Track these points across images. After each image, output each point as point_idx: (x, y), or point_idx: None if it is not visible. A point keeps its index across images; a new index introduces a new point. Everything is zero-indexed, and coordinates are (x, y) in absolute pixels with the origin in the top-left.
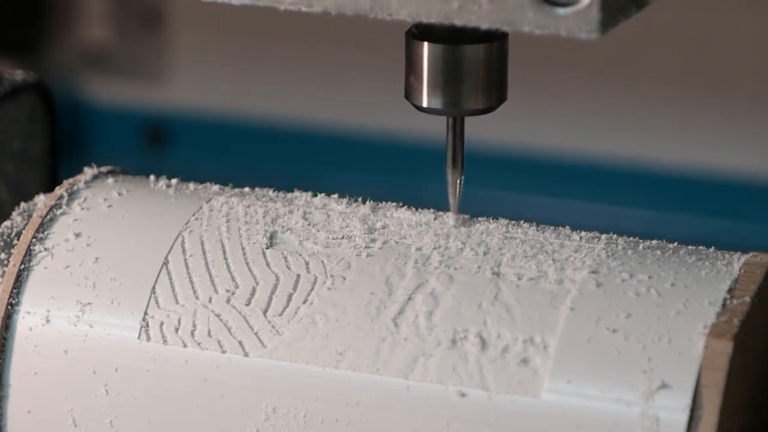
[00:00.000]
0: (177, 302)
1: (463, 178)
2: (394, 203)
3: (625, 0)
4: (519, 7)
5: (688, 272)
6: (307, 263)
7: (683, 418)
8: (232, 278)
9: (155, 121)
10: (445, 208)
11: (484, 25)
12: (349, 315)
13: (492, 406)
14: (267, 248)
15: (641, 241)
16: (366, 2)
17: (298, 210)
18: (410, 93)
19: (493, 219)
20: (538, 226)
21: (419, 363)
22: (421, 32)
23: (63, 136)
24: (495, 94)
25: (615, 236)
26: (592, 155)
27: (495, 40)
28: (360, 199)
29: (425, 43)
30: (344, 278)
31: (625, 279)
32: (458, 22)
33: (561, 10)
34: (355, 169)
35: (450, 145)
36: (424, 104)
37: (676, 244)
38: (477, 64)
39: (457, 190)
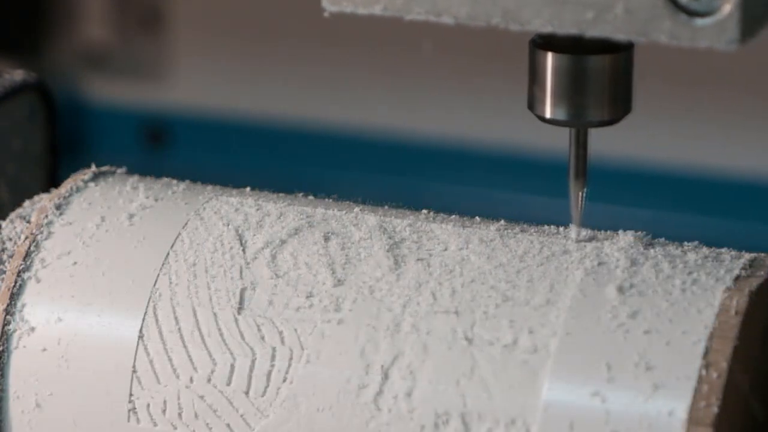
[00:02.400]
0: (159, 382)
1: (586, 190)
2: (361, 232)
3: (763, 9)
4: (656, 17)
5: (671, 307)
6: (280, 333)
7: None
8: (209, 354)
9: (155, 121)
10: (443, 209)
11: (619, 36)
12: (330, 397)
13: None
14: (238, 313)
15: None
16: (497, 12)
17: (264, 250)
18: (533, 104)
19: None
20: (512, 248)
21: None
22: (545, 42)
23: (63, 135)
24: (620, 105)
25: (598, 251)
26: (592, 155)
27: (622, 50)
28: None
29: (549, 53)
30: (319, 352)
31: (605, 321)
32: (592, 32)
33: (699, 21)
34: (356, 168)
35: (573, 156)
36: (548, 115)
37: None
38: (602, 75)
39: (580, 202)
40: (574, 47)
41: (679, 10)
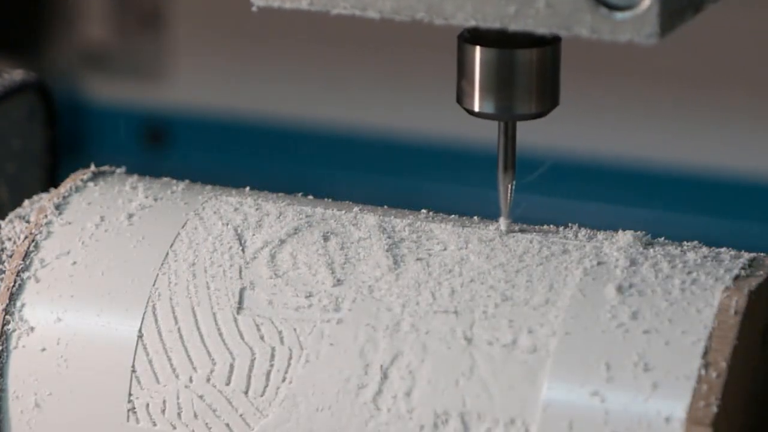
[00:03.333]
0: (158, 382)
1: (514, 182)
2: (360, 232)
3: (684, 3)
4: (576, 11)
5: (671, 306)
6: (280, 333)
7: None
8: (209, 354)
9: (155, 121)
10: (442, 209)
11: (541, 30)
12: (329, 397)
13: None
14: (237, 312)
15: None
16: (421, 7)
17: (263, 250)
18: (461, 98)
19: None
20: (512, 248)
21: None
22: (473, 36)
23: (63, 135)
24: (548, 99)
25: (598, 252)
26: (576, 153)
27: (549, 44)
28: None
29: (477, 48)
30: (318, 352)
31: (604, 320)
32: (515, 26)
33: (620, 15)
34: (355, 168)
35: (501, 149)
36: (476, 109)
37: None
38: (530, 69)
39: (508, 195)
40: (502, 41)
41: (599, 4)
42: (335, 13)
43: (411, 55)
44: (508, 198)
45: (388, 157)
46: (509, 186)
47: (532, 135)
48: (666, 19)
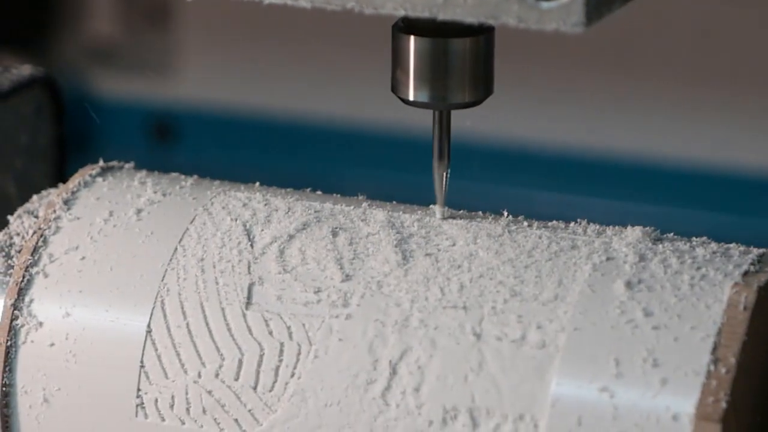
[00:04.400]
0: (167, 377)
1: (449, 171)
2: (369, 227)
3: None
4: (503, 0)
5: (680, 302)
6: (288, 328)
7: None
8: (217, 349)
9: (163, 116)
10: (451, 204)
11: (469, 19)
12: (338, 392)
13: None
14: (246, 308)
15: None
16: None
17: (272, 245)
18: (396, 87)
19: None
20: (520, 243)
21: None
22: (408, 26)
23: (70, 130)
24: (482, 88)
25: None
26: (585, 148)
27: (481, 33)
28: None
29: (412, 37)
30: (327, 347)
31: (613, 316)
32: (443, 16)
33: (545, 4)
34: (364, 163)
35: (436, 138)
36: (410, 98)
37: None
38: (463, 58)
39: (444, 183)
40: (436, 31)
41: None
42: (267, 3)
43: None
44: (443, 186)
45: (397, 152)
46: (444, 174)
47: (523, 128)
48: (592, 8)
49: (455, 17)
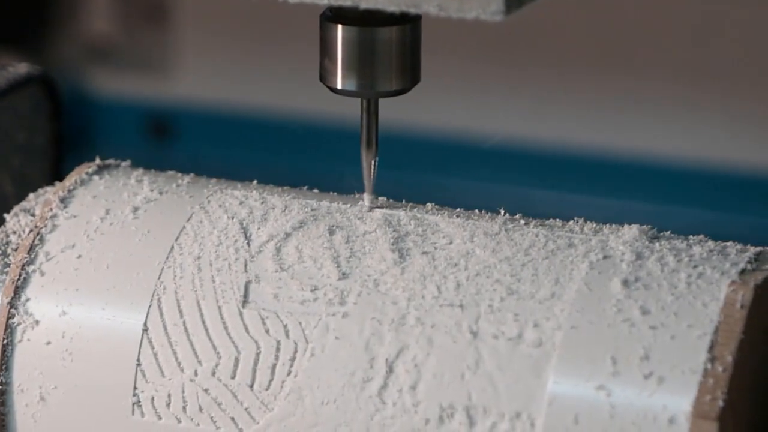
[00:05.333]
0: (163, 375)
1: (377, 159)
2: (366, 225)
3: None
4: None
5: (677, 301)
6: (285, 326)
7: None
8: (214, 348)
9: (160, 114)
10: (448, 203)
11: (391, 8)
12: (334, 390)
13: None
14: (243, 306)
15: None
16: None
17: (269, 243)
18: (324, 76)
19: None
20: (517, 242)
21: None
22: (335, 15)
23: (68, 128)
24: (409, 76)
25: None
26: (582, 147)
27: (408, 22)
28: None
29: (339, 26)
30: (324, 345)
31: (610, 315)
32: (365, 5)
33: None
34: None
35: (365, 126)
36: (339, 86)
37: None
38: (390, 46)
39: (372, 171)
40: (363, 20)
41: None
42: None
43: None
44: (372, 174)
45: (394, 150)
46: (372, 162)
47: (532, 129)
48: None
49: (377, 6)
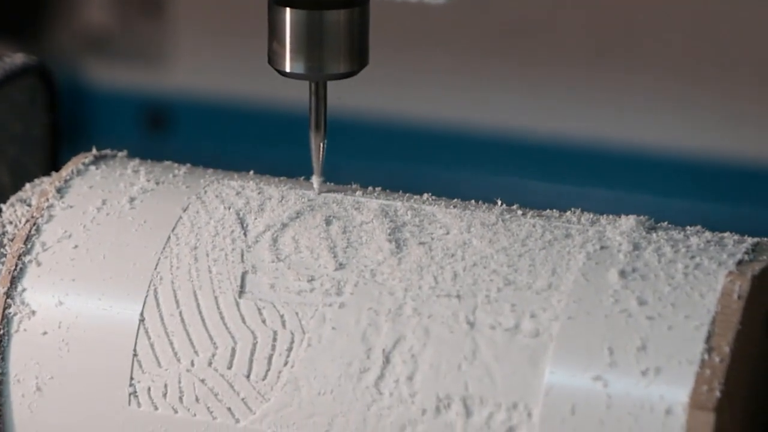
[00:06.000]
0: (160, 366)
1: (326, 141)
2: (362, 216)
3: None
4: None
5: (674, 291)
6: (282, 316)
7: None
8: (210, 338)
9: (156, 105)
10: (445, 194)
11: None
12: (331, 381)
13: None
14: (239, 296)
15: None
16: None
17: (266, 234)
18: (273, 59)
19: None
20: (514, 232)
21: None
22: None
23: (64, 119)
24: (357, 59)
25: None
26: (580, 139)
27: (356, 5)
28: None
29: (287, 9)
30: (320, 336)
31: (607, 305)
32: None
33: None
34: (357, 153)
35: (313, 109)
36: (287, 69)
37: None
38: (338, 30)
39: (320, 153)
40: (311, 3)
41: None
42: None
43: (408, 40)
44: (320, 157)
45: (391, 142)
46: (321, 145)
47: (527, 120)
48: None
49: None
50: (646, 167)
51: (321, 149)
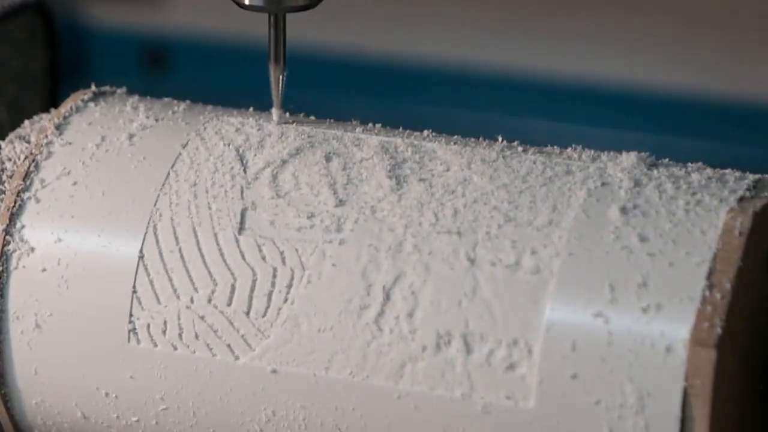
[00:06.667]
0: (159, 303)
1: (285, 74)
2: (363, 152)
3: None
4: None
5: (675, 228)
6: (281, 253)
7: None
8: (210, 275)
9: (155, 44)
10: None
11: None
12: (331, 317)
13: (483, 413)
14: (239, 233)
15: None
16: None
17: (265, 170)
18: None
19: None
20: (515, 169)
21: (407, 369)
22: None
23: (63, 57)
24: None
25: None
26: (580, 77)
27: None
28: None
29: None
30: (320, 273)
31: (608, 242)
32: None
33: None
34: (355, 91)
35: (272, 42)
36: (246, 1)
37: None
38: None
39: (280, 86)
40: None
41: None
42: None
43: None
44: (280, 89)
45: (389, 80)
46: (280, 77)
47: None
48: None
49: None
50: (646, 106)
51: (281, 81)
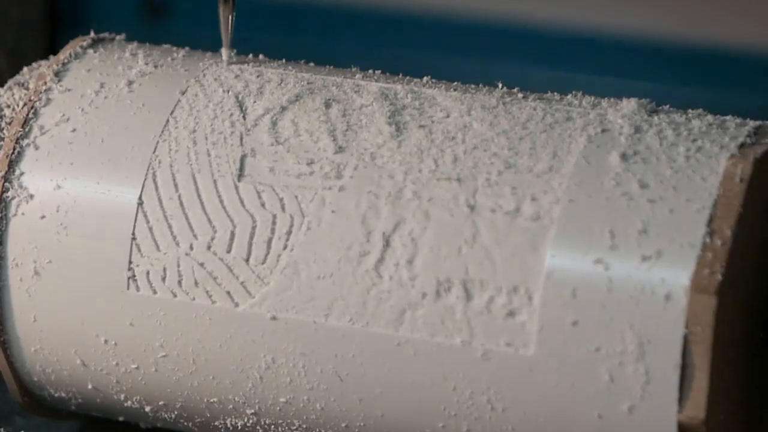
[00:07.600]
0: (159, 250)
1: (234, 14)
2: (362, 99)
3: None
4: None
5: (675, 174)
6: (281, 200)
7: None
8: (209, 221)
9: None
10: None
11: None
12: (331, 264)
13: (483, 360)
14: (238, 180)
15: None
16: None
17: (265, 117)
18: None
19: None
20: (515, 115)
21: (407, 316)
22: None
23: (62, 5)
24: None
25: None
26: (579, 25)
27: None
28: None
29: None
30: (320, 220)
31: (608, 188)
32: None
33: None
34: (356, 40)
35: None
36: None
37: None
38: None
39: (229, 25)
40: None
41: None
42: None
43: None
44: (229, 28)
45: (388, 26)
46: (230, 17)
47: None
48: None
49: None
50: (646, 54)
51: (230, 21)
